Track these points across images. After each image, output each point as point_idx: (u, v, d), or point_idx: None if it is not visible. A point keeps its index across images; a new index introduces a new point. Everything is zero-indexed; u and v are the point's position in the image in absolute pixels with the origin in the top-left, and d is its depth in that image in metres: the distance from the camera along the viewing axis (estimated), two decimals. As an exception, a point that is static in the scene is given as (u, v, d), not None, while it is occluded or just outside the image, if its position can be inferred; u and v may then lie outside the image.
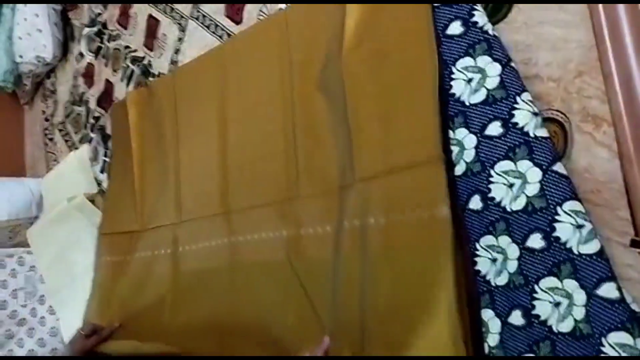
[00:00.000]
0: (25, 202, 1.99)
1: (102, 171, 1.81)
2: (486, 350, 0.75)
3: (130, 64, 1.70)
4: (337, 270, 0.94)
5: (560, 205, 0.69)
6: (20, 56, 2.14)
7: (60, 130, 2.19)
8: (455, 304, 0.74)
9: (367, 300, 0.86)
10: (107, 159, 1.79)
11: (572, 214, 0.68)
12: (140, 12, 1.67)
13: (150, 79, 1.60)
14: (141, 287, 1.44)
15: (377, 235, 0.87)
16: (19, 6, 2.12)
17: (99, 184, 1.81)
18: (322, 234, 1.00)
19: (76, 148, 2.02)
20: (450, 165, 0.80)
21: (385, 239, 0.86)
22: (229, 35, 1.29)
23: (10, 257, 1.85)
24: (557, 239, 0.69)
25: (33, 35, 2.10)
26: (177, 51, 1.48)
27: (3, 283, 1.80)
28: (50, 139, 2.27)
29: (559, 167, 0.70)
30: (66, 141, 2.14)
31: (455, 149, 0.80)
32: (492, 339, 0.75)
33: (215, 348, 1.13)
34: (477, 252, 0.78)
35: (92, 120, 1.94)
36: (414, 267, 0.81)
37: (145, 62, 1.63)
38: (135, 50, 1.68)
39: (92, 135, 1.93)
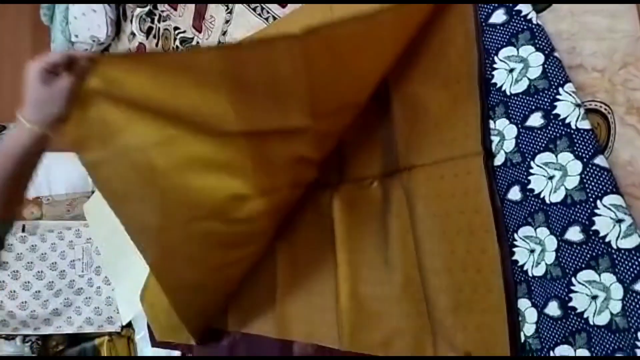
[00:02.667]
0: (81, 177, 2.07)
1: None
2: (522, 339, 0.77)
3: (179, 45, 1.74)
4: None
5: (601, 198, 0.69)
6: (76, 36, 2.20)
7: (114, 108, 2.26)
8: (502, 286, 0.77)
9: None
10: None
11: (612, 208, 0.68)
12: (190, -7, 1.70)
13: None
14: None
15: (423, 221, 0.89)
16: (75, -14, 2.19)
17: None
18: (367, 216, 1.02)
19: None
20: (490, 155, 0.81)
21: (431, 226, 0.87)
22: (274, 18, 1.30)
23: (69, 229, 1.96)
24: (596, 232, 0.69)
25: (88, 15, 2.16)
26: (224, 33, 1.50)
27: (62, 254, 1.91)
28: (105, 116, 2.34)
29: (600, 160, 0.70)
30: (120, 118, 2.21)
31: (495, 139, 0.81)
32: (528, 329, 0.76)
33: None
34: (515, 242, 0.78)
35: (143, 99, 2.00)
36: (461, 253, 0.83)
37: (194, 43, 1.66)
38: (184, 32, 1.72)
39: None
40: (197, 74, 0.88)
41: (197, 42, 1.64)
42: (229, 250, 1.12)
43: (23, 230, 1.91)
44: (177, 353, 1.62)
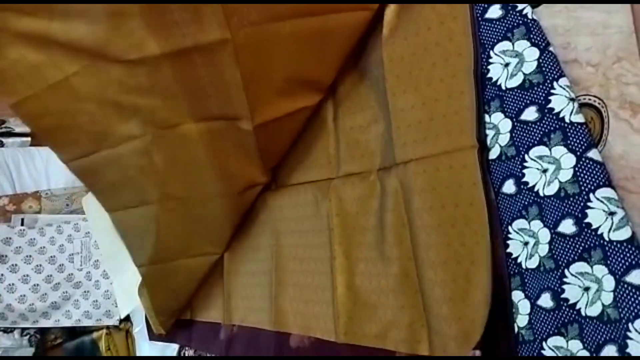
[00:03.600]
0: (80, 172, 2.08)
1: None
2: (515, 330, 0.78)
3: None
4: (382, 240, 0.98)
5: (594, 191, 0.70)
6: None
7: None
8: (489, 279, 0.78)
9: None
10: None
11: (605, 201, 0.69)
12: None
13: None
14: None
15: (419, 214, 0.90)
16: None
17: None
18: (364, 209, 1.03)
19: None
20: (485, 149, 0.82)
21: (427, 219, 0.88)
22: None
23: (67, 223, 1.96)
24: (589, 225, 0.70)
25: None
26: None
27: (60, 248, 1.91)
28: (104, 111, 2.35)
29: (593, 154, 0.71)
30: (119, 113, 2.22)
31: (490, 133, 0.81)
32: (522, 320, 0.77)
33: None
34: (510, 235, 0.79)
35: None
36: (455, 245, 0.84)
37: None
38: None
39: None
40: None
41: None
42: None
43: (22, 224, 1.91)
44: (174, 346, 1.63)
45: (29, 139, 2.19)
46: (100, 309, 1.89)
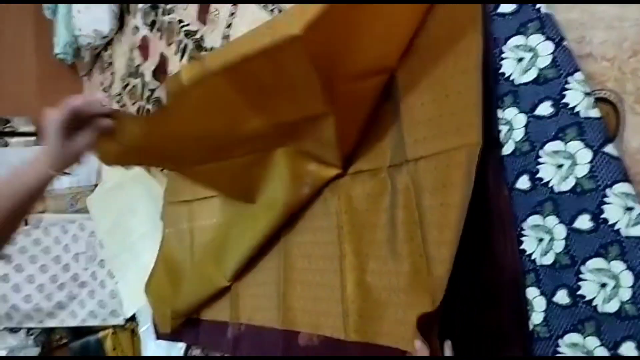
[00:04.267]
0: (85, 171, 2.08)
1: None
2: (530, 327, 0.77)
3: (184, 38, 1.74)
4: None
5: (610, 187, 0.69)
6: (79, 29, 2.21)
7: (117, 102, 2.26)
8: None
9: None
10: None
11: (622, 196, 0.68)
12: (194, -14, 1.70)
13: (203, 52, 1.63)
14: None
15: (430, 211, 0.89)
16: (78, -20, 2.19)
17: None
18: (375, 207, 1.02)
19: (133, 119, 2.08)
20: (498, 145, 0.81)
21: (438, 216, 0.88)
22: (280, 11, 1.30)
23: (72, 222, 1.96)
24: (606, 220, 0.69)
25: (91, 9, 2.16)
26: (228, 26, 1.51)
27: (65, 247, 1.91)
28: (108, 110, 2.34)
29: (610, 149, 0.70)
30: (123, 112, 2.22)
31: (504, 129, 0.81)
32: (537, 317, 0.76)
33: None
34: (523, 232, 0.78)
35: (147, 92, 2.00)
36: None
37: (198, 36, 1.66)
38: (188, 24, 1.72)
39: (149, 106, 1.99)
40: (210, 100, 0.95)
41: (202, 35, 1.65)
42: None
43: (26, 224, 1.91)
44: (181, 345, 1.63)
45: (33, 138, 2.19)
46: (106, 308, 1.89)
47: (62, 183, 2.05)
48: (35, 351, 1.94)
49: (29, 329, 1.90)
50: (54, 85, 2.41)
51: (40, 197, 0.88)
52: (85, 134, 0.84)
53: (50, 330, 1.96)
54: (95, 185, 2.07)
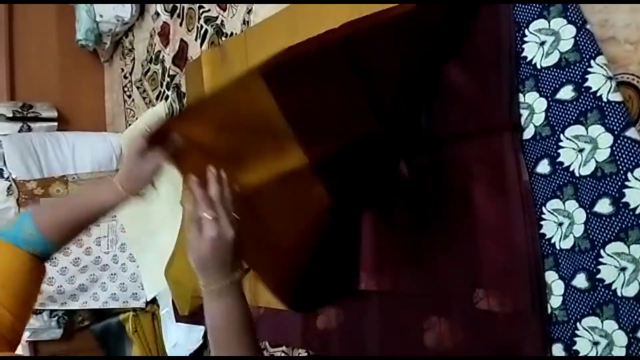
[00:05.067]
0: (106, 155, 2.10)
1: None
2: (549, 311, 0.77)
3: (204, 24, 1.75)
4: None
5: (632, 171, 0.69)
6: (101, 15, 2.22)
7: (138, 88, 2.28)
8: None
9: None
10: (182, 116, 1.86)
11: (644, 180, 0.68)
12: (214, -28, 1.70)
13: (223, 38, 1.64)
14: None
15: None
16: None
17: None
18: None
19: (153, 105, 2.11)
20: (519, 129, 0.81)
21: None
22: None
23: (94, 207, 1.98)
24: (626, 204, 0.69)
25: (112, -5, 2.18)
26: (249, 11, 1.51)
27: (87, 231, 1.94)
28: (129, 96, 2.37)
29: (632, 133, 0.69)
30: (143, 98, 2.23)
31: (524, 113, 0.81)
32: (555, 301, 0.76)
33: None
34: (543, 216, 0.78)
35: (167, 79, 2.02)
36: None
37: (218, 21, 1.67)
38: (208, 10, 1.73)
39: (168, 92, 2.00)
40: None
41: (222, 21, 1.65)
42: None
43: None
44: (201, 328, 1.65)
45: (55, 123, 2.22)
46: (127, 291, 1.92)
47: (84, 168, 2.07)
48: (57, 332, 1.98)
49: (51, 311, 1.94)
50: (76, 71, 2.43)
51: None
52: (156, 154, 0.85)
53: (73, 312, 1.99)
54: (117, 170, 2.09)
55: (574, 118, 0.75)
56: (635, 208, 0.68)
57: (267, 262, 1.04)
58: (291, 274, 1.11)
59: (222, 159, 0.91)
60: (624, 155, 0.69)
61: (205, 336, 1.66)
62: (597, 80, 0.73)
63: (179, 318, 1.65)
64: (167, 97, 2.01)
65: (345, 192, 0.97)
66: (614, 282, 0.70)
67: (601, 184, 0.72)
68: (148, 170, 0.85)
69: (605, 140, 0.71)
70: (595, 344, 0.71)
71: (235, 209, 0.74)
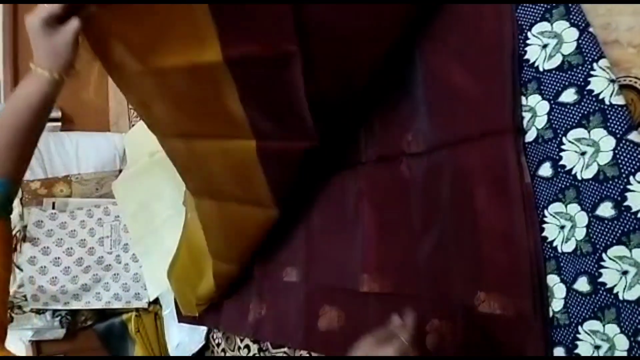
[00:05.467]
0: (110, 156, 2.11)
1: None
2: (550, 314, 0.77)
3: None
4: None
5: (634, 174, 0.69)
6: None
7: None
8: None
9: None
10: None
11: (646, 184, 0.68)
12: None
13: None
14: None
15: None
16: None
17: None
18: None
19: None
20: (521, 131, 0.81)
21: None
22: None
23: (97, 207, 1.99)
24: (628, 208, 0.69)
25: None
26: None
27: (91, 231, 1.94)
28: (132, 96, 2.37)
29: (634, 136, 0.69)
30: (147, 99, 2.23)
31: (527, 116, 0.80)
32: (557, 304, 0.76)
33: None
34: (545, 219, 0.78)
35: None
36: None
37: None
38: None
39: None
40: None
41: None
42: None
43: (53, 208, 1.95)
44: (203, 328, 1.65)
45: (59, 124, 2.22)
46: (130, 291, 1.93)
47: (88, 168, 2.07)
48: (60, 332, 1.98)
49: (54, 311, 1.94)
50: (80, 71, 2.43)
51: (49, 109, 0.86)
52: (69, 22, 0.81)
53: (76, 312, 2.00)
54: (120, 170, 2.10)
55: (576, 121, 0.75)
56: (637, 212, 0.68)
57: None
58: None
59: (135, 42, 0.93)
60: (626, 159, 0.69)
61: (207, 336, 1.66)
62: (600, 83, 0.73)
63: (181, 319, 1.65)
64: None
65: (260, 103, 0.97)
66: (615, 285, 0.70)
67: (603, 188, 0.71)
68: (61, 43, 0.80)
69: (608, 143, 0.71)
70: (597, 347, 0.71)
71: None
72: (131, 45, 0.94)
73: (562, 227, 0.76)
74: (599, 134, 0.72)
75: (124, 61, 0.98)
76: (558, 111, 0.77)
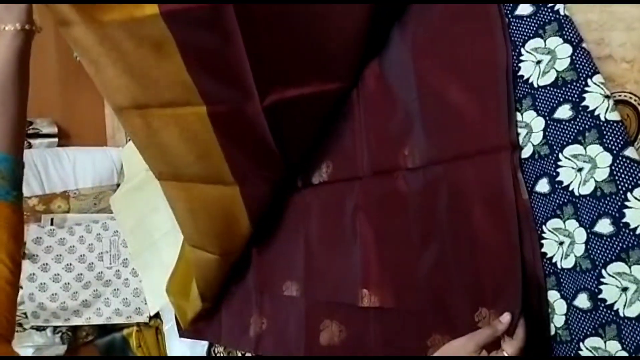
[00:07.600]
0: (108, 170, 2.10)
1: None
2: (552, 331, 0.77)
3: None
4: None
5: (631, 191, 0.69)
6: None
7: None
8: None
9: None
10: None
11: (643, 200, 0.68)
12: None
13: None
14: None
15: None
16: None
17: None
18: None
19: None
20: (517, 148, 0.81)
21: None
22: None
23: (96, 222, 1.98)
24: (627, 224, 0.69)
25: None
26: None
27: (90, 247, 1.94)
28: (129, 111, 2.37)
29: (630, 152, 0.69)
30: (143, 112, 2.23)
31: (522, 132, 0.81)
32: (558, 320, 0.76)
33: None
34: (544, 235, 0.78)
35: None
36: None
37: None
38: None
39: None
40: None
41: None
42: None
43: (51, 224, 1.94)
44: (204, 343, 1.65)
45: (56, 139, 2.22)
46: (130, 306, 1.92)
47: (86, 183, 2.07)
48: (62, 349, 1.97)
49: (55, 327, 1.93)
50: (76, 86, 2.42)
51: (25, 63, 0.88)
52: None
53: (76, 328, 1.99)
54: (118, 185, 2.10)
55: (572, 137, 0.75)
56: (636, 228, 0.68)
57: None
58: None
59: None
60: (623, 175, 0.69)
61: (208, 351, 1.65)
62: (595, 100, 0.73)
63: (182, 333, 1.65)
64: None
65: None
66: (615, 302, 0.70)
67: (601, 204, 0.71)
68: None
69: (604, 159, 0.71)
70: (599, 364, 0.71)
71: None
72: None
73: (561, 243, 0.76)
74: (595, 150, 0.72)
75: (69, 17, 0.99)
76: (554, 127, 0.77)
